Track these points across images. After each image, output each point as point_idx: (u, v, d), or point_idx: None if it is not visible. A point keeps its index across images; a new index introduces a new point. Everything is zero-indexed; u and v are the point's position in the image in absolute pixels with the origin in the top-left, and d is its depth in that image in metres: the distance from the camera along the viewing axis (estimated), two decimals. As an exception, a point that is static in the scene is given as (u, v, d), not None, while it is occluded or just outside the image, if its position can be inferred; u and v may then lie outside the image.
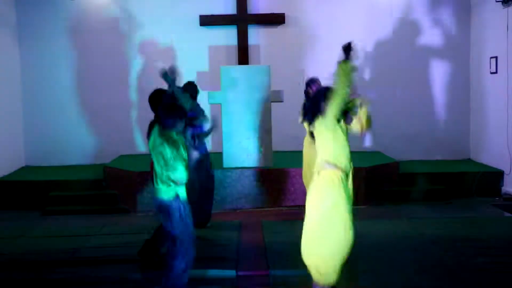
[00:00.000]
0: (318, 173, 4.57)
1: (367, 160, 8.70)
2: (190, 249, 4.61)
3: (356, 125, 4.70)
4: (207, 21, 9.80)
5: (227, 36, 9.94)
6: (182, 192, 4.65)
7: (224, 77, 8.18)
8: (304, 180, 7.35)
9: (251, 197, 8.12)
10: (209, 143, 9.75)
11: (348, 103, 4.57)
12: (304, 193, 5.44)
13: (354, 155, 4.95)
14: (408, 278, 5.22)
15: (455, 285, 5.07)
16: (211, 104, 8.54)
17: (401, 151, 9.84)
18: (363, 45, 9.95)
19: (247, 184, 8.12)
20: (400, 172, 8.83)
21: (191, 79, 9.37)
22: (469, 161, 9.96)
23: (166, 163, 4.53)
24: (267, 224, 7.21)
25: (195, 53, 9.89)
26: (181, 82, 6.06)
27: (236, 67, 8.67)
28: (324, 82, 7.14)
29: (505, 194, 8.66)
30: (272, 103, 8.27)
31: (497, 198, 8.60)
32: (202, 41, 9.91)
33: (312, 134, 4.86)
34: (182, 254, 4.56)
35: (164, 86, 5.25)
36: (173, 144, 4.55)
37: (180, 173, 4.57)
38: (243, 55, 9.78)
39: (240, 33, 9.80)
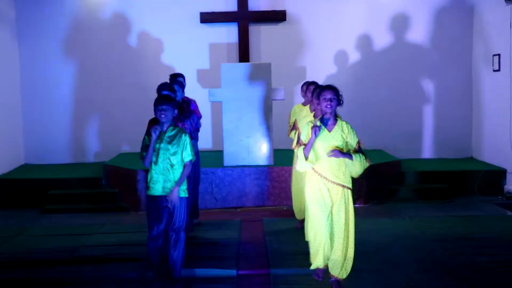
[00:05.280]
0: None
1: (369, 158, 8.63)
2: None
3: None
4: (207, 18, 9.75)
5: (228, 33, 9.89)
6: None
7: (224, 74, 8.12)
8: None
9: (251, 195, 8.07)
10: (210, 141, 9.78)
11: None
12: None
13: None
14: (409, 277, 5.17)
15: (457, 284, 5.01)
16: (211, 102, 8.49)
17: (403, 150, 9.80)
18: (364, 42, 9.95)
19: (248, 182, 8.06)
20: (402, 170, 8.77)
21: (191, 76, 9.38)
22: (471, 159, 9.90)
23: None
24: (267, 223, 7.16)
25: (195, 51, 9.85)
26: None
27: (237, 65, 8.62)
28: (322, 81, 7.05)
29: (508, 192, 8.60)
30: (273, 101, 8.20)
31: (499, 197, 8.52)
32: (202, 38, 9.85)
33: None
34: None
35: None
36: None
37: None
38: (243, 53, 9.72)
39: (241, 30, 9.74)
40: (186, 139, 4.80)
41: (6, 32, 9.51)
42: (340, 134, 4.71)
